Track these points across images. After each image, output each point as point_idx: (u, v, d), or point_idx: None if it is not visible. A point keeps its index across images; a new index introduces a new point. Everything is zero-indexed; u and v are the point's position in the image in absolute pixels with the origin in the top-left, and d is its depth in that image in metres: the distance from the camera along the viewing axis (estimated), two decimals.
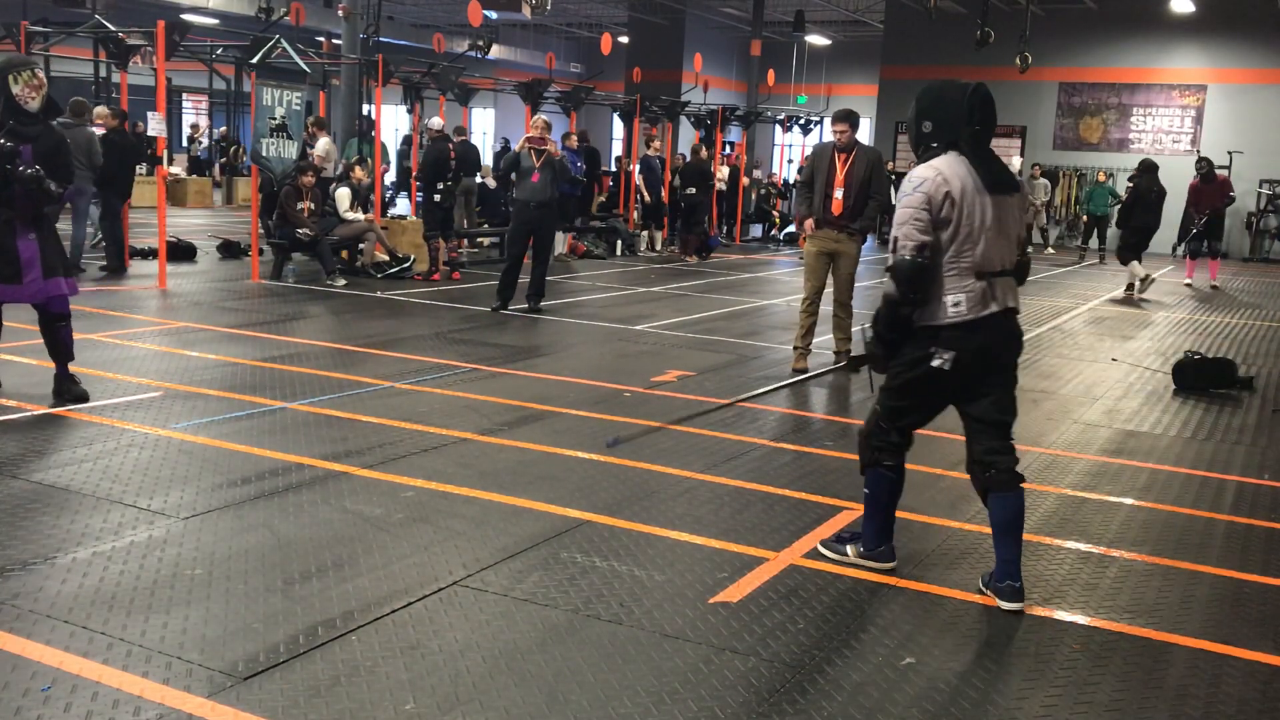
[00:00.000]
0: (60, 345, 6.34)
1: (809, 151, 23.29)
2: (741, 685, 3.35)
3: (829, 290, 8.52)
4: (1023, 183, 4.17)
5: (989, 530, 4.81)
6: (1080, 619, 3.97)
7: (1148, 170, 14.70)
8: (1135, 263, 14.80)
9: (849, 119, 8.17)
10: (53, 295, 6.24)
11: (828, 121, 9.74)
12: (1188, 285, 16.42)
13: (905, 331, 4.02)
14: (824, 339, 8.83)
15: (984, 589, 4.16)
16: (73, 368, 6.54)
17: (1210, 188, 15.81)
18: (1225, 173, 22.45)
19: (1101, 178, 19.89)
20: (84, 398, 6.33)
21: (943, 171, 3.92)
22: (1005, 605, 4.01)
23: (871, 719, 3.20)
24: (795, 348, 8.54)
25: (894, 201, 4.37)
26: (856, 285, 8.67)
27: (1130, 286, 14.87)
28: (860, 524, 4.45)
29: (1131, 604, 4.13)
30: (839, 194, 8.14)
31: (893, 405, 4.17)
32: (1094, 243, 20.22)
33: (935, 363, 3.95)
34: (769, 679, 3.40)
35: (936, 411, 4.19)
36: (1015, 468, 4.03)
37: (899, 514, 4.97)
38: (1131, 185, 14.98)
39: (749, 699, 3.27)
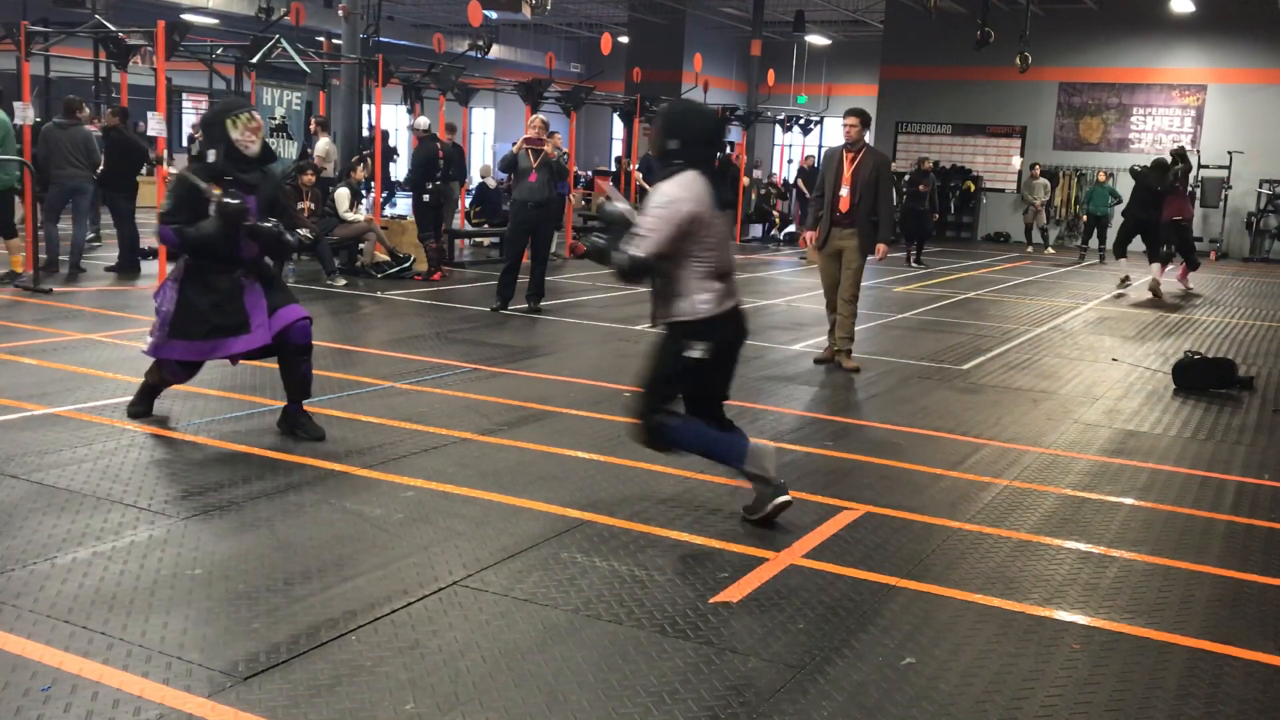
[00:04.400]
0: (301, 381, 5.80)
1: (809, 153, 23.50)
2: (742, 685, 3.35)
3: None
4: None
5: (989, 530, 4.84)
6: (1080, 619, 3.97)
7: (1156, 167, 14.79)
8: (1123, 259, 15.07)
9: (859, 115, 8.39)
10: (287, 323, 5.70)
11: (828, 121, 9.82)
12: (1155, 290, 16.52)
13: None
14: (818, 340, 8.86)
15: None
16: (75, 368, 6.54)
17: (1180, 195, 15.75)
18: (1227, 172, 22.53)
19: (1102, 178, 19.88)
20: (320, 436, 5.76)
21: (692, 191, 4.44)
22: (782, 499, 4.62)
23: (871, 719, 3.20)
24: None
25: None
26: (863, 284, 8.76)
27: (1124, 281, 15.11)
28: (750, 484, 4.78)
29: (1131, 604, 4.14)
30: (845, 191, 8.28)
31: (658, 393, 4.69)
32: (1094, 243, 20.22)
33: (695, 355, 4.52)
34: (769, 679, 3.40)
35: (690, 389, 4.74)
36: (729, 424, 4.84)
37: (898, 514, 4.98)
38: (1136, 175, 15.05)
39: (749, 699, 3.27)
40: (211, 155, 5.49)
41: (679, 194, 4.42)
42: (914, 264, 17.79)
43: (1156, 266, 14.89)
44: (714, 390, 4.78)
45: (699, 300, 4.50)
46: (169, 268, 11.61)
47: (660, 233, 4.41)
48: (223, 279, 5.62)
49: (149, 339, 5.74)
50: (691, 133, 4.51)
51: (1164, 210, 14.76)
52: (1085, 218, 20.25)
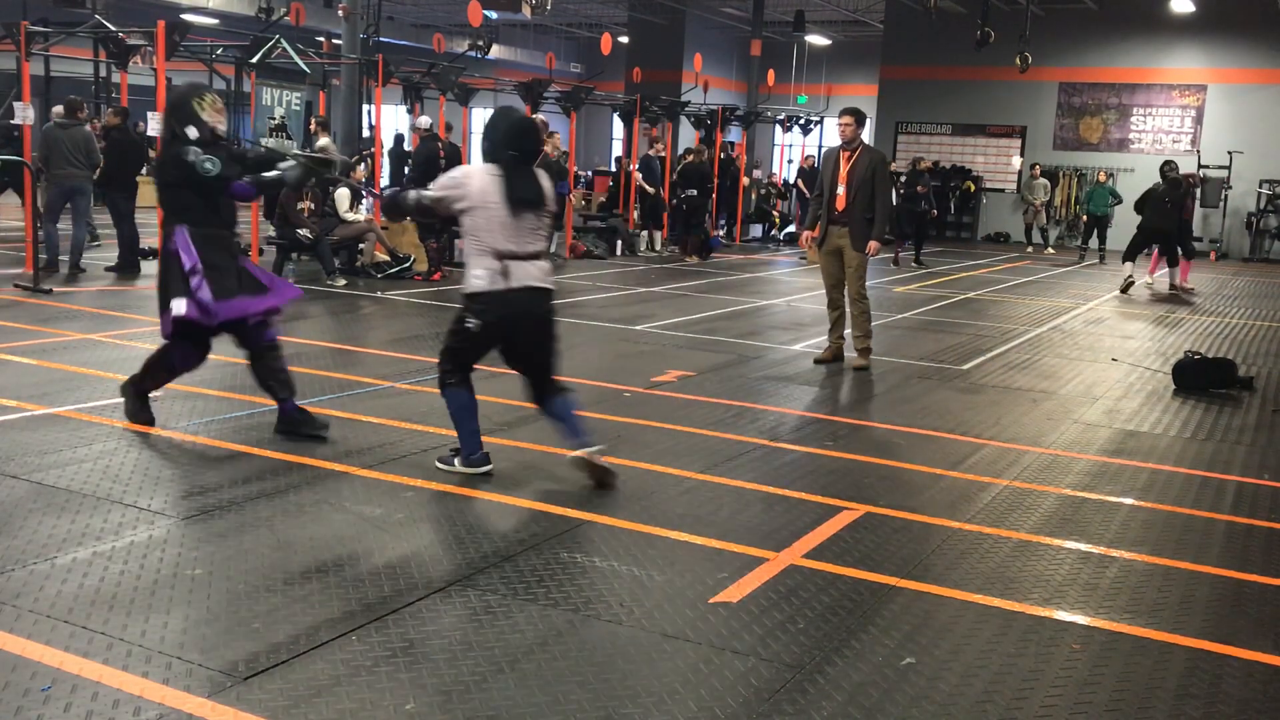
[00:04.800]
0: (284, 375, 5.89)
1: (809, 153, 23.50)
2: (741, 685, 3.35)
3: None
4: (546, 195, 5.20)
5: (989, 530, 4.84)
6: (1080, 619, 3.97)
7: (1175, 185, 14.88)
8: (1129, 264, 15.12)
9: (854, 114, 8.47)
10: (288, 298, 6.04)
11: (828, 121, 9.91)
12: (1149, 283, 16.77)
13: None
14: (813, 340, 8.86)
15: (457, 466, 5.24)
16: (74, 368, 6.54)
17: (1176, 190, 16.10)
18: (1227, 172, 22.53)
19: (1102, 178, 19.86)
20: (325, 425, 5.85)
21: (473, 175, 5.11)
22: (479, 469, 5.22)
23: (871, 719, 3.20)
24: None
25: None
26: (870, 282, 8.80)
27: (1128, 284, 15.17)
28: (461, 441, 5.27)
29: (1131, 604, 4.14)
30: (841, 190, 8.33)
31: (448, 346, 5.26)
32: (1094, 243, 20.22)
33: (469, 324, 5.11)
34: (769, 679, 3.40)
35: (484, 354, 5.28)
36: (564, 391, 5.39)
37: (899, 514, 4.98)
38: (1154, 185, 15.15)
39: (749, 699, 3.27)
40: (193, 131, 5.67)
41: (460, 174, 5.21)
42: (914, 264, 17.79)
43: (1175, 270, 15.28)
44: (522, 362, 5.34)
45: (473, 275, 5.10)
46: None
47: (436, 191, 5.19)
48: (228, 246, 5.78)
49: (181, 311, 5.52)
50: (494, 135, 5.15)
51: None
52: (1085, 218, 20.24)
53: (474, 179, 5.09)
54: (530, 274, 5.12)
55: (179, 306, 5.53)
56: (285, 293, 5.99)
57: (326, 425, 5.84)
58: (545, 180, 5.26)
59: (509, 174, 5.07)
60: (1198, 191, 20.76)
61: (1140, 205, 15.16)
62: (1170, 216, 14.84)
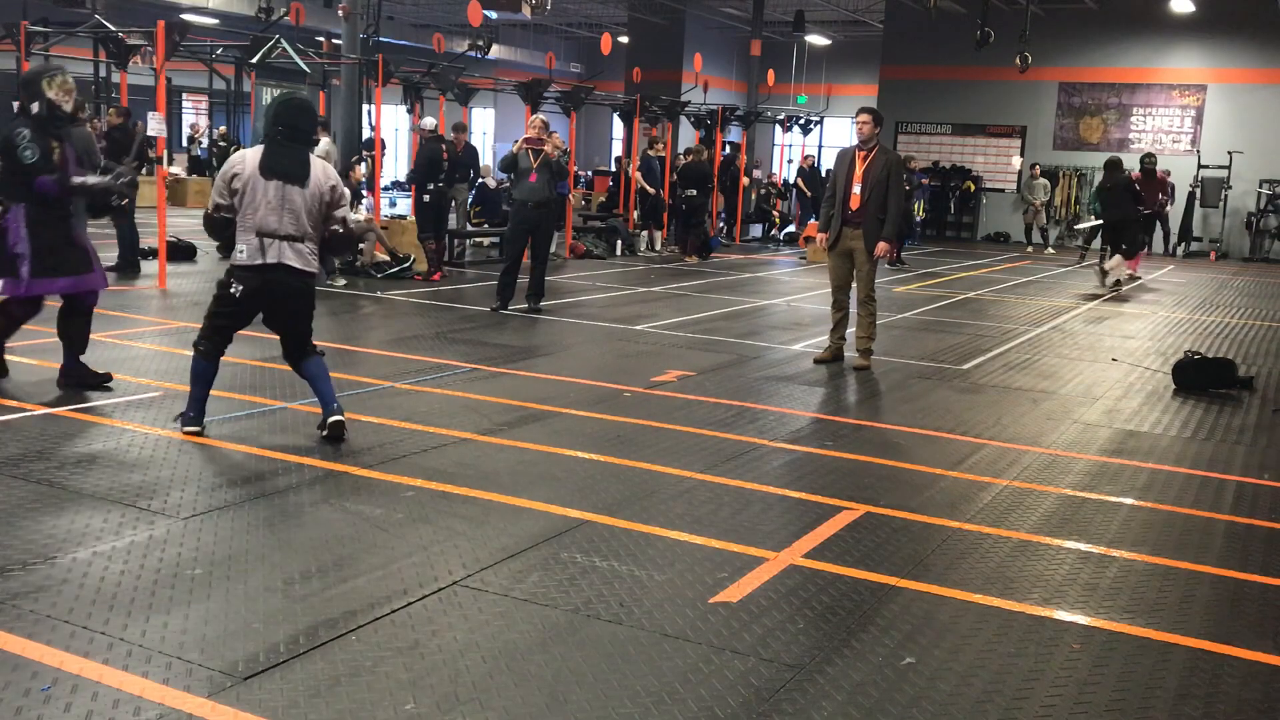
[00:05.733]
0: (85, 336, 6.71)
1: (808, 152, 23.50)
2: (741, 685, 3.35)
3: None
4: (315, 176, 5.60)
5: (989, 530, 4.84)
6: (1080, 619, 3.97)
7: (1113, 166, 15.09)
8: (1117, 257, 15.35)
9: (872, 113, 8.53)
10: (103, 285, 6.77)
11: (828, 121, 9.94)
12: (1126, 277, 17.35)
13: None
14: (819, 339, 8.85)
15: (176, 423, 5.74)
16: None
17: (1148, 184, 16.73)
18: (1227, 172, 22.53)
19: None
20: (107, 378, 6.67)
21: (246, 158, 5.57)
22: (188, 429, 5.69)
23: (871, 719, 3.20)
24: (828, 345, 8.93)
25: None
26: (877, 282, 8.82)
27: (1116, 283, 15.29)
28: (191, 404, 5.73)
29: (1131, 604, 4.14)
30: (856, 190, 8.32)
31: (212, 312, 5.75)
32: (1096, 243, 20.19)
33: (232, 290, 5.60)
34: (769, 679, 3.40)
35: (242, 324, 5.80)
36: (311, 352, 5.88)
37: (899, 514, 4.98)
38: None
39: (749, 699, 3.27)
40: (35, 107, 6.27)
41: (235, 156, 5.66)
42: (895, 262, 17.72)
43: (1118, 259, 15.37)
44: (278, 331, 5.86)
45: (238, 249, 5.58)
46: (168, 266, 11.55)
47: (216, 188, 5.61)
48: (62, 225, 6.40)
49: (5, 281, 6.37)
50: (264, 115, 5.63)
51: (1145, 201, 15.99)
52: (1092, 218, 20.13)
53: (244, 160, 5.55)
54: (287, 251, 5.57)
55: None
56: (99, 280, 6.68)
57: (109, 377, 6.66)
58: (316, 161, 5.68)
59: (270, 150, 5.54)
60: (1172, 186, 21.00)
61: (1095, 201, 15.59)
62: (1119, 206, 14.97)
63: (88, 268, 6.54)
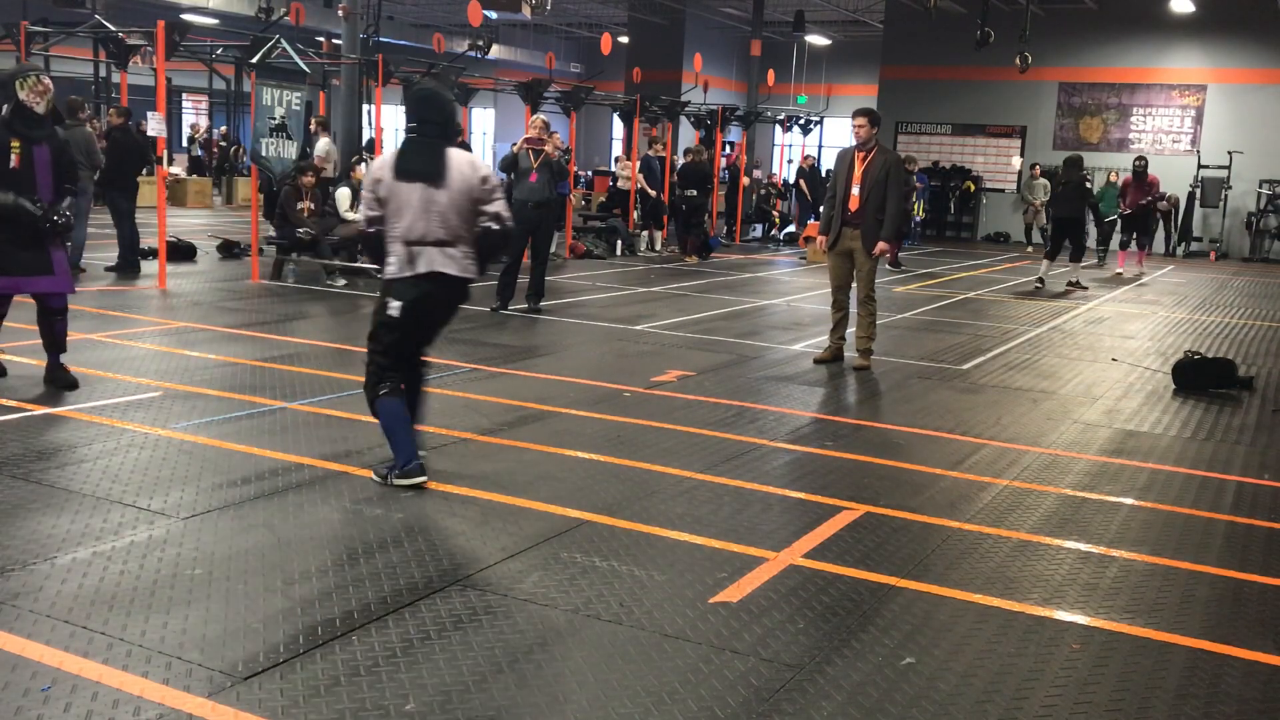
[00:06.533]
0: (57, 336, 6.62)
1: (808, 152, 23.51)
2: (741, 685, 3.35)
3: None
4: (458, 172, 4.98)
5: (989, 530, 4.83)
6: (1080, 619, 3.97)
7: (1071, 165, 15.08)
8: (1046, 261, 15.32)
9: (868, 114, 8.48)
10: (63, 290, 6.61)
11: (828, 121, 9.94)
12: (1119, 274, 17.76)
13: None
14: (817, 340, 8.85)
15: (390, 480, 5.02)
16: (74, 368, 6.56)
17: (1138, 186, 16.96)
18: (1227, 172, 22.53)
19: (1113, 178, 19.76)
20: (74, 384, 6.58)
21: (385, 162, 5.03)
22: (414, 480, 5.00)
23: (871, 719, 3.20)
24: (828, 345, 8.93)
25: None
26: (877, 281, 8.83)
27: (1072, 283, 15.27)
28: (393, 453, 5.07)
29: (1131, 604, 4.14)
30: (855, 190, 8.31)
31: (375, 349, 5.07)
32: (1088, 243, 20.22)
33: (390, 312, 5.02)
34: (769, 679, 3.40)
35: (412, 341, 5.17)
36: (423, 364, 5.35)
37: (898, 514, 4.98)
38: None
39: (749, 699, 3.27)
40: (4, 109, 6.26)
41: (376, 161, 5.17)
42: (892, 264, 17.76)
43: (1045, 264, 15.40)
44: (416, 338, 5.25)
45: (388, 262, 5.06)
46: (168, 266, 11.56)
47: (364, 199, 5.12)
48: (15, 225, 6.26)
49: None
50: (407, 112, 5.09)
51: (1132, 197, 16.66)
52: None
53: (384, 165, 5.04)
54: (440, 258, 5.02)
55: None
56: (67, 284, 6.58)
57: (75, 385, 6.54)
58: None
59: (403, 148, 5.05)
60: (1197, 185, 21.04)
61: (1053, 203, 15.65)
62: (1070, 204, 14.99)
63: (41, 270, 6.40)
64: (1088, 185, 15.36)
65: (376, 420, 5.10)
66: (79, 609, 3.64)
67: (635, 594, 3.98)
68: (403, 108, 5.68)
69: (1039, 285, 15.26)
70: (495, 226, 5.09)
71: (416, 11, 32.33)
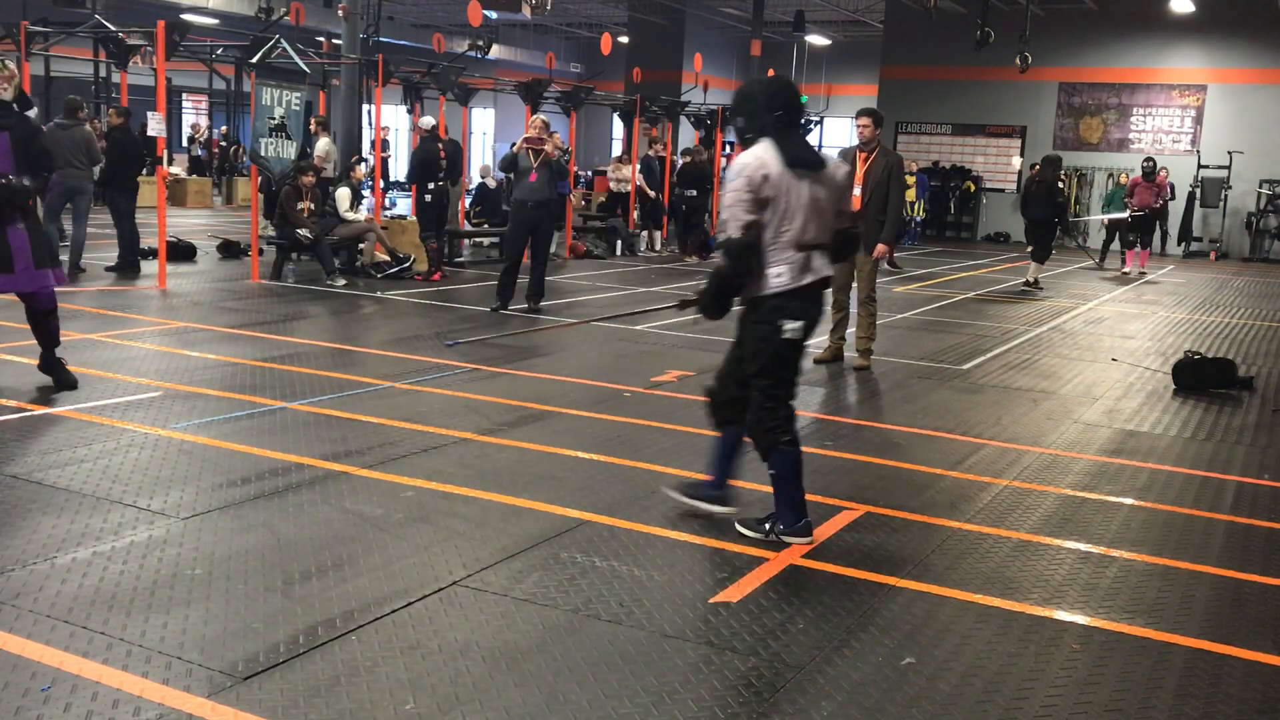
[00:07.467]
0: (50, 334, 6.53)
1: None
2: (741, 685, 3.35)
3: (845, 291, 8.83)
4: (833, 161, 4.58)
5: (989, 530, 4.83)
6: (1080, 619, 3.97)
7: (1048, 163, 15.07)
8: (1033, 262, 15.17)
9: (872, 115, 8.50)
10: (42, 287, 6.42)
11: (829, 121, 9.95)
12: (1124, 273, 17.85)
13: (731, 297, 4.48)
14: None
15: (773, 534, 4.55)
16: (74, 367, 6.56)
17: (1146, 186, 17.08)
18: (1227, 172, 22.54)
19: (1123, 180, 19.73)
20: (73, 384, 6.53)
21: (760, 156, 4.31)
22: (718, 509, 4.68)
23: (871, 719, 3.20)
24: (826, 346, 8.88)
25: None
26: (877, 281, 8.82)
27: (1034, 282, 15.10)
28: (775, 504, 4.62)
29: (1131, 604, 4.14)
30: (857, 191, 8.31)
31: (768, 384, 4.47)
32: (1090, 242, 20.26)
33: (787, 335, 4.39)
34: (769, 679, 3.40)
35: (799, 367, 4.60)
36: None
37: (898, 514, 4.98)
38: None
39: (749, 699, 3.27)
40: None
41: (745, 159, 4.33)
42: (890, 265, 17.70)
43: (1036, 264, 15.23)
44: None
45: (772, 273, 4.34)
46: (168, 266, 11.56)
47: (739, 205, 4.29)
48: None
49: None
50: (749, 104, 4.46)
51: (1140, 197, 16.89)
52: (1106, 220, 20.01)
53: (762, 160, 4.31)
54: (825, 262, 4.48)
55: None
56: (32, 282, 6.37)
57: (75, 384, 6.50)
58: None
59: (782, 139, 4.37)
60: (1197, 185, 21.08)
61: (1023, 202, 15.66)
62: (1041, 206, 14.99)
63: (7, 269, 6.26)
64: (1060, 185, 15.31)
65: (770, 471, 4.53)
66: (79, 609, 3.64)
67: (635, 594, 3.98)
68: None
69: (1033, 286, 15.16)
70: (851, 228, 4.67)
71: (416, 11, 32.33)
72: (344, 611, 3.71)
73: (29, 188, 6.29)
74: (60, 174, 11.43)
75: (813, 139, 25.42)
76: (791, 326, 4.36)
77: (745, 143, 4.45)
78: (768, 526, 4.58)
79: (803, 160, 4.35)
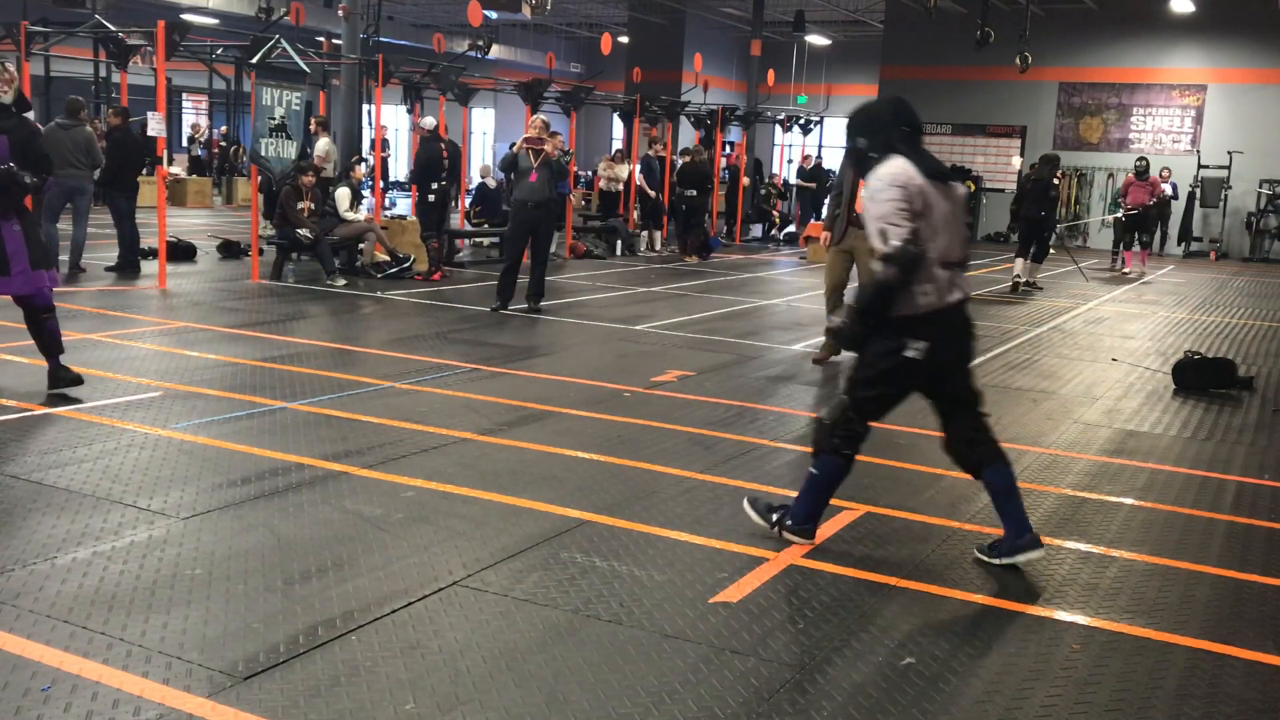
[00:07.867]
0: (49, 337, 6.45)
1: (808, 152, 23.49)
2: (741, 685, 3.35)
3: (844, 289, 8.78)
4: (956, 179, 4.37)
5: (989, 530, 4.82)
6: (1080, 619, 3.97)
7: (1045, 162, 14.93)
8: (1020, 260, 14.93)
9: None
10: (39, 288, 6.38)
11: (828, 121, 9.96)
12: (1125, 273, 18.00)
13: (884, 316, 4.20)
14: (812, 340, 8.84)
15: (995, 559, 4.39)
16: (74, 367, 6.56)
17: (1140, 185, 17.28)
18: (1227, 172, 22.53)
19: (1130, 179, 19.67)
20: (78, 380, 6.46)
21: (904, 168, 4.14)
22: (1034, 555, 4.32)
23: (871, 719, 3.20)
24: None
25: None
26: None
27: (1022, 284, 14.92)
28: (794, 500, 4.57)
29: (1131, 604, 4.14)
30: (862, 191, 8.30)
31: (864, 395, 4.33)
32: (1092, 243, 20.25)
33: (909, 354, 4.16)
34: (769, 679, 3.40)
35: (901, 400, 4.39)
36: (995, 441, 4.41)
37: (898, 514, 4.98)
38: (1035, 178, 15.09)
39: (749, 699, 3.27)
40: None
41: (892, 169, 4.16)
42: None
43: (1031, 264, 15.07)
44: (954, 396, 4.39)
45: (918, 291, 4.12)
46: (168, 266, 11.56)
47: (898, 214, 4.07)
48: None
49: None
50: (873, 122, 4.35)
51: (1134, 196, 17.24)
52: (1114, 221, 19.89)
53: (909, 171, 4.14)
54: (965, 281, 4.31)
55: None
56: (28, 284, 6.32)
57: (79, 380, 6.42)
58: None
59: (914, 151, 4.23)
60: (1197, 185, 21.12)
61: (1017, 201, 15.66)
62: (1033, 204, 14.85)
63: (2, 271, 6.21)
64: (1055, 184, 15.21)
65: (813, 469, 4.44)
66: (79, 609, 3.64)
67: (635, 594, 3.98)
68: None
69: (1027, 285, 15.04)
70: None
71: (416, 11, 32.33)
72: (344, 611, 3.71)
73: (28, 183, 6.29)
74: (60, 174, 11.45)
75: (813, 139, 25.45)
76: (916, 346, 4.15)
77: (868, 162, 4.29)
78: (775, 518, 4.57)
79: (938, 172, 4.21)
